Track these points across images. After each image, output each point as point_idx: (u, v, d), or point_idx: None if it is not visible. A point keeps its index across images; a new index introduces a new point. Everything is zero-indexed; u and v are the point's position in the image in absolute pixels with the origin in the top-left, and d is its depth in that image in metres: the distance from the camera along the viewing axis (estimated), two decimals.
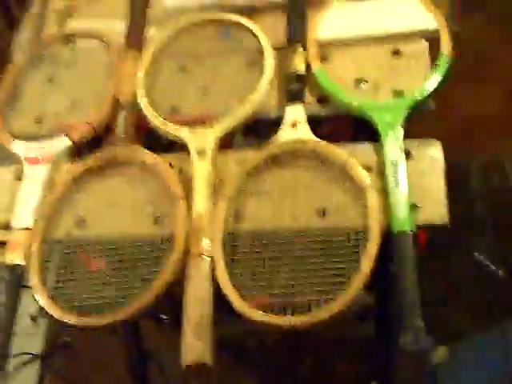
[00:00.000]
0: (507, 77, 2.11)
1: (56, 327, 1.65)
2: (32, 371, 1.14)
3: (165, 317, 1.58)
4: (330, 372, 1.72)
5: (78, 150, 1.34)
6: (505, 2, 2.14)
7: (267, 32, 1.36)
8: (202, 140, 1.22)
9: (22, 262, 1.20)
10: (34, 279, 1.17)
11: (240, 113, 1.25)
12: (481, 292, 1.67)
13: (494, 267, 1.67)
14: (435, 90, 1.21)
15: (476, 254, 1.68)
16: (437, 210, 1.12)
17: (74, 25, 1.59)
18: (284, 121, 1.23)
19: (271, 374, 1.78)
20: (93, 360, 1.89)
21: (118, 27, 1.53)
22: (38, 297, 1.15)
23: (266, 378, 1.77)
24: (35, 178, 1.28)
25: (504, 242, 1.71)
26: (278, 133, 1.21)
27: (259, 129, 1.32)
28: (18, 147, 1.33)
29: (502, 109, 2.08)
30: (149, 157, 1.23)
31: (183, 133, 1.24)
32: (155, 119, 1.28)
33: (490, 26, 2.07)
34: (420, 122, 1.22)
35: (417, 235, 1.10)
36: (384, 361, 1.56)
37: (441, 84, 1.22)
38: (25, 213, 1.24)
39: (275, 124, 1.27)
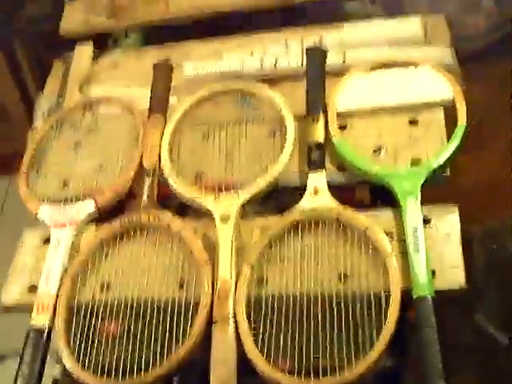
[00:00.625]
0: (503, 145, 2.16)
1: None
2: None
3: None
4: None
5: (101, 215, 1.37)
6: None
7: (286, 100, 1.40)
8: (226, 207, 1.26)
9: (48, 325, 1.21)
10: (59, 342, 1.19)
11: (264, 181, 1.29)
12: (483, 358, 1.68)
13: (496, 334, 1.68)
14: (452, 157, 1.25)
15: (477, 317, 1.70)
16: (455, 275, 1.14)
17: (95, 91, 1.64)
18: (307, 188, 1.25)
19: None
20: None
21: (138, 94, 1.58)
22: (64, 360, 1.17)
23: None
24: (61, 242, 1.30)
25: (505, 307, 1.72)
26: (301, 200, 1.24)
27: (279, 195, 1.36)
28: (44, 212, 1.35)
29: (498, 176, 2.12)
30: (174, 222, 1.26)
31: (208, 200, 1.28)
32: (180, 186, 1.32)
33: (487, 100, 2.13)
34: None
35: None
36: None
37: (457, 152, 1.25)
38: (51, 275, 1.26)
39: (296, 190, 1.31)
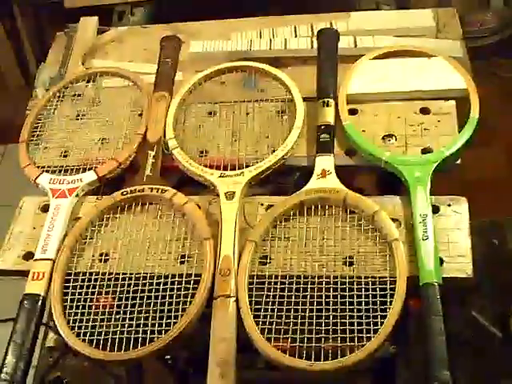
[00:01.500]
0: (508, 143, 2.17)
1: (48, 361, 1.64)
2: None
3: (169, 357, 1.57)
4: None
5: (102, 186, 1.34)
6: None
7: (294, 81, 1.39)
8: (231, 185, 1.24)
9: (44, 293, 1.19)
10: (55, 310, 1.16)
11: (270, 160, 1.27)
12: (478, 352, 1.67)
13: (491, 327, 1.68)
14: (463, 148, 1.23)
15: (474, 313, 1.69)
16: (462, 264, 1.13)
17: (98, 64, 1.62)
18: (314, 170, 1.24)
19: None
20: None
21: (142, 69, 1.56)
22: (59, 329, 1.15)
23: None
24: (60, 210, 1.28)
25: (501, 302, 1.72)
26: (309, 182, 1.22)
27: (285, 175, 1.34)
28: (44, 180, 1.33)
29: (503, 173, 2.12)
30: (177, 196, 1.24)
31: (213, 177, 1.26)
32: (185, 161, 1.29)
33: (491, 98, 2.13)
34: None
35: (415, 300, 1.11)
36: None
37: (468, 143, 1.24)
38: (48, 244, 1.24)
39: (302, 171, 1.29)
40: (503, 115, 2.12)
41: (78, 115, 1.46)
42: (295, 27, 1.58)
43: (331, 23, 1.57)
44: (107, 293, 1.18)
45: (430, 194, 1.19)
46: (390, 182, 1.28)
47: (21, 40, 2.76)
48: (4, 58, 2.80)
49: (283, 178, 1.37)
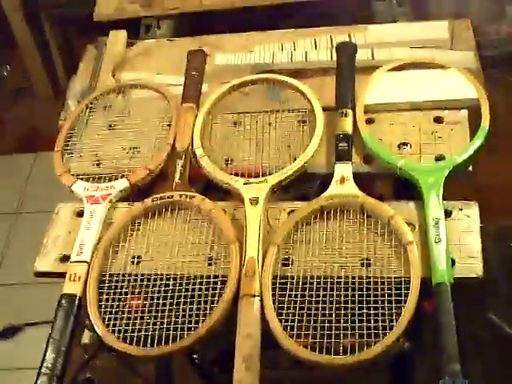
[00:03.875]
0: None
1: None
2: None
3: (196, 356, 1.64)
4: None
5: (133, 193, 1.42)
6: None
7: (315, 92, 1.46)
8: (255, 191, 1.31)
9: (80, 293, 1.26)
10: (91, 309, 1.24)
11: (292, 168, 1.34)
12: (496, 354, 1.72)
13: (509, 329, 1.73)
14: (474, 155, 1.30)
15: (491, 315, 1.74)
16: (473, 264, 1.20)
17: (128, 77, 1.69)
18: (333, 177, 1.31)
19: None
20: None
21: (170, 80, 1.63)
22: (94, 326, 1.22)
23: None
24: (94, 215, 1.36)
25: None
26: (328, 188, 1.30)
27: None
28: (79, 187, 1.41)
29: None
30: (205, 202, 1.31)
31: (239, 184, 1.33)
32: (212, 169, 1.37)
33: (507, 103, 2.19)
34: None
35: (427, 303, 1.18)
36: None
37: (479, 151, 1.31)
38: (84, 247, 1.32)
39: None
40: None
41: (110, 125, 1.54)
42: (315, 40, 1.65)
43: (349, 35, 1.63)
44: (139, 293, 1.26)
45: (443, 199, 1.26)
46: (406, 187, 1.34)
47: (50, 51, 2.84)
48: (34, 68, 2.89)
49: (305, 185, 1.44)
